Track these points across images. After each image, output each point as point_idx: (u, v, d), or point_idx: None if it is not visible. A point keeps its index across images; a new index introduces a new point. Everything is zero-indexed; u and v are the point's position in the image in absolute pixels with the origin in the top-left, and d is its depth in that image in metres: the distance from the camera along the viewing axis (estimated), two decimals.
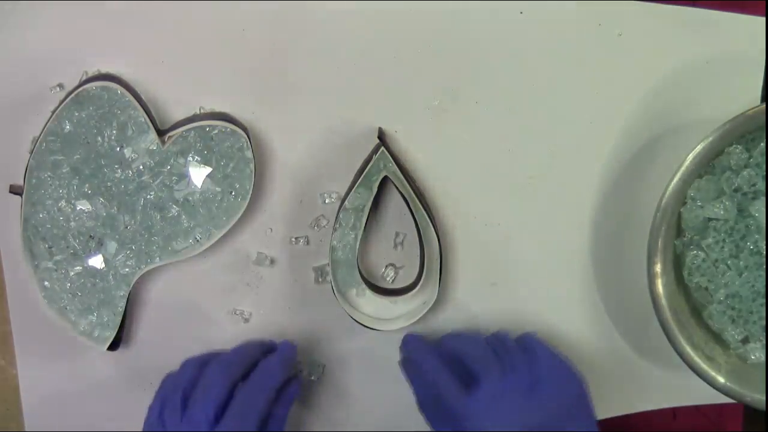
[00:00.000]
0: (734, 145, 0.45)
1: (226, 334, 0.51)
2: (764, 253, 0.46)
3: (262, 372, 0.44)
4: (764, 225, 0.45)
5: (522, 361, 0.43)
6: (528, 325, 0.50)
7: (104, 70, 0.47)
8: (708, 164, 0.46)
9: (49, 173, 0.47)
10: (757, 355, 0.47)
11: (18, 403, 0.53)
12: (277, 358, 0.46)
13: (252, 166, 0.46)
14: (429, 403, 0.45)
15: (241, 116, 0.48)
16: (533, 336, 0.46)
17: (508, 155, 0.49)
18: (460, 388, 0.42)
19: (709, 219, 0.46)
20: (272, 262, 0.50)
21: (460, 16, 0.47)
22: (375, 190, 0.47)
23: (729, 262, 0.47)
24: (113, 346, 0.49)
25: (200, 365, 0.44)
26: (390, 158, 0.46)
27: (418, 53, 0.47)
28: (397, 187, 0.47)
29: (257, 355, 0.46)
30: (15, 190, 0.48)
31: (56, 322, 0.49)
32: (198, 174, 0.47)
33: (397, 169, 0.46)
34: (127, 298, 0.48)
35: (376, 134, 0.47)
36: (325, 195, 0.49)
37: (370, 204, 0.47)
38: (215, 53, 0.47)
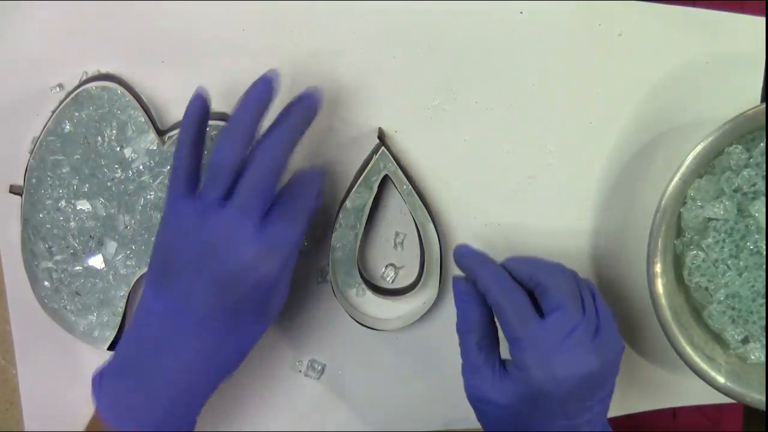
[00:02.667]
0: (734, 145, 0.45)
1: None
2: (764, 253, 0.46)
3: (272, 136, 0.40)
4: (764, 225, 0.45)
5: (590, 304, 0.41)
6: None
7: (104, 70, 0.47)
8: (708, 164, 0.46)
9: (49, 173, 0.47)
10: (757, 355, 0.47)
11: (18, 403, 0.53)
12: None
13: None
14: (477, 324, 0.42)
15: None
16: (592, 284, 0.44)
17: (508, 155, 0.49)
18: (532, 312, 0.40)
19: (709, 219, 0.46)
20: None
21: (460, 16, 0.47)
22: (375, 189, 0.47)
23: (729, 262, 0.47)
24: (113, 346, 0.49)
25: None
26: (390, 158, 0.46)
27: (418, 53, 0.47)
28: (397, 187, 0.47)
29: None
30: (15, 190, 0.48)
31: (56, 322, 0.49)
32: None
33: (398, 169, 0.46)
34: (127, 298, 0.48)
35: (376, 134, 0.47)
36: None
37: (370, 204, 0.47)
38: (215, 53, 0.47)
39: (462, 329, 0.42)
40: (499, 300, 0.40)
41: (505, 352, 0.41)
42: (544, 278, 0.41)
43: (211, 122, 0.46)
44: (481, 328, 0.42)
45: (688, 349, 0.46)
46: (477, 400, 0.41)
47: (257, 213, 0.39)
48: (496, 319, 0.42)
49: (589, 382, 0.39)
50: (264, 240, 0.39)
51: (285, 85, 0.48)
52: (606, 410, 0.42)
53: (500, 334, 0.42)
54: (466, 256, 0.43)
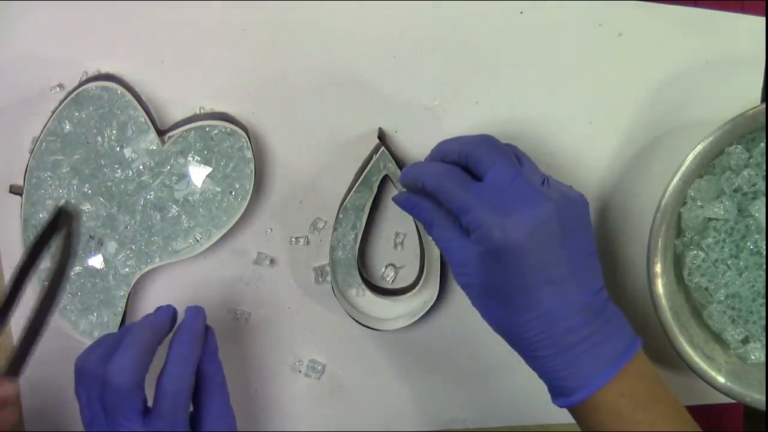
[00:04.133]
0: (734, 145, 0.45)
1: (226, 334, 0.51)
2: (764, 253, 0.46)
3: (174, 363, 0.40)
4: (764, 225, 0.45)
5: (528, 162, 0.41)
6: None
7: (104, 70, 0.47)
8: (708, 164, 0.46)
9: (49, 173, 0.47)
10: (757, 355, 0.47)
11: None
12: (185, 336, 0.41)
13: (252, 166, 0.46)
14: (433, 208, 0.41)
15: (241, 116, 0.48)
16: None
17: None
18: (468, 179, 0.39)
19: (709, 219, 0.46)
20: (272, 262, 0.50)
21: (460, 16, 0.47)
22: (375, 189, 0.47)
23: (729, 262, 0.47)
24: None
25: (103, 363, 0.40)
26: (390, 158, 0.46)
27: (418, 53, 0.47)
28: (397, 187, 0.47)
29: (161, 332, 0.42)
30: (15, 190, 0.48)
31: (56, 322, 0.49)
32: (198, 174, 0.47)
33: (398, 169, 0.46)
34: (127, 298, 0.48)
35: (376, 134, 0.47)
36: (317, 221, 0.49)
37: (370, 204, 0.47)
38: (215, 53, 0.47)
39: (426, 223, 0.41)
40: (436, 181, 0.39)
41: None
42: (473, 148, 0.40)
43: (211, 122, 0.46)
44: (437, 211, 0.41)
45: (688, 349, 0.46)
46: (458, 266, 0.39)
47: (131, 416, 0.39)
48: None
49: (548, 227, 0.37)
50: None
51: (285, 82, 0.48)
52: (594, 278, 0.39)
53: None
54: (405, 172, 0.42)
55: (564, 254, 0.38)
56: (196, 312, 0.43)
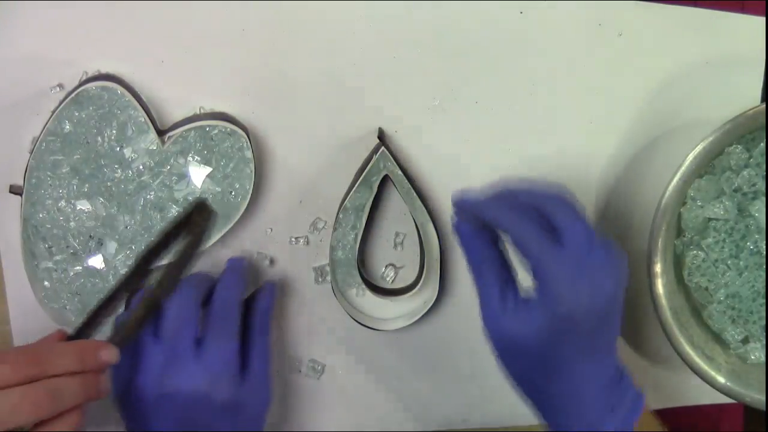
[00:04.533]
0: (734, 145, 0.45)
1: None
2: (764, 253, 0.46)
3: (220, 290, 0.45)
4: (764, 225, 0.45)
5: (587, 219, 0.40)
6: None
7: (104, 70, 0.47)
8: (708, 164, 0.46)
9: (49, 173, 0.47)
10: (757, 355, 0.47)
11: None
12: (228, 273, 0.47)
13: (252, 166, 0.46)
14: (489, 260, 0.40)
15: (241, 116, 0.48)
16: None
17: (508, 155, 0.49)
18: (547, 235, 0.37)
19: (709, 219, 0.46)
20: (272, 262, 0.50)
21: (460, 16, 0.47)
22: (375, 189, 0.47)
23: (729, 262, 0.47)
24: None
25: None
26: (390, 158, 0.46)
27: (418, 53, 0.47)
28: (397, 187, 0.47)
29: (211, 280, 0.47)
30: (15, 190, 0.48)
31: (56, 322, 0.49)
32: (198, 174, 0.47)
33: (398, 169, 0.46)
34: (127, 299, 0.48)
35: (376, 134, 0.47)
36: (317, 221, 0.49)
37: (370, 204, 0.47)
38: (215, 53, 0.47)
39: (475, 268, 0.40)
40: (518, 230, 0.37)
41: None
42: (547, 202, 0.39)
43: (211, 122, 0.46)
44: (493, 263, 0.40)
45: (688, 349, 0.46)
46: (499, 339, 0.39)
47: (185, 342, 0.42)
48: (509, 252, 0.41)
49: (616, 300, 0.37)
50: (200, 364, 0.42)
51: (285, 82, 0.48)
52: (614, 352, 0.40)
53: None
54: (467, 197, 0.41)
55: (610, 335, 0.39)
56: (237, 259, 0.49)
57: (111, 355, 0.40)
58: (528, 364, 0.39)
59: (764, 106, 0.43)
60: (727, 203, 0.45)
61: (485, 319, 0.40)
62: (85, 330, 0.42)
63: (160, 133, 0.47)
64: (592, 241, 0.37)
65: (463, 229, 0.41)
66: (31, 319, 0.51)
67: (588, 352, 0.38)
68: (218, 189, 0.47)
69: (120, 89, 0.46)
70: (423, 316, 0.49)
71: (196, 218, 0.43)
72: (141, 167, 0.47)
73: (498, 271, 0.40)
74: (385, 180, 0.47)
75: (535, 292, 0.37)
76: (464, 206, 0.41)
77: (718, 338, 0.48)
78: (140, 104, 0.46)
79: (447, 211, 0.49)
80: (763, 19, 0.46)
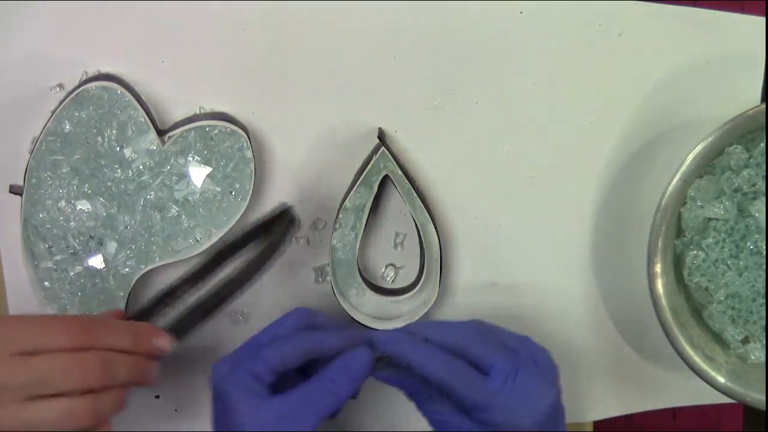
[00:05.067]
0: (734, 145, 0.45)
1: (226, 334, 0.51)
2: (764, 253, 0.46)
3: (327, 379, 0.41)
4: (764, 225, 0.45)
5: (512, 339, 0.42)
6: (528, 324, 0.50)
7: (104, 70, 0.47)
8: (708, 164, 0.46)
9: (49, 173, 0.47)
10: (757, 355, 0.47)
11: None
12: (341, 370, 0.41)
13: (252, 166, 0.46)
14: (422, 388, 0.42)
15: (241, 116, 0.48)
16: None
17: (508, 155, 0.49)
18: (474, 374, 0.40)
19: (709, 219, 0.46)
20: None
21: (460, 16, 0.47)
22: (375, 189, 0.47)
23: (729, 262, 0.47)
24: None
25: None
26: (390, 158, 0.46)
27: (418, 53, 0.47)
28: (397, 187, 0.47)
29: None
30: (15, 190, 0.48)
31: None
32: (198, 174, 0.47)
33: (398, 169, 0.46)
34: (127, 299, 0.48)
35: (376, 134, 0.47)
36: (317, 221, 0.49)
37: (370, 204, 0.47)
38: (215, 53, 0.47)
39: (415, 395, 0.42)
40: (442, 376, 0.40)
41: None
42: (465, 343, 0.41)
43: (211, 122, 0.46)
44: (427, 389, 0.42)
45: (688, 349, 0.46)
46: None
47: (263, 380, 0.39)
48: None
49: (555, 411, 0.40)
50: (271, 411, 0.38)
51: (285, 82, 0.48)
52: None
53: None
54: (391, 342, 0.42)
55: (562, 427, 0.41)
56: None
57: (165, 342, 0.39)
58: None
59: (764, 106, 0.43)
60: (727, 203, 0.45)
61: None
62: (144, 315, 0.42)
63: (160, 133, 0.47)
64: (515, 372, 0.40)
65: (383, 376, 0.42)
66: None
67: None
68: (218, 189, 0.47)
69: (120, 89, 0.46)
70: (423, 316, 0.49)
71: (279, 224, 0.43)
72: (141, 167, 0.47)
73: (434, 393, 0.41)
74: (385, 180, 0.47)
75: (476, 424, 0.40)
76: (390, 350, 0.41)
77: (718, 338, 0.48)
78: (140, 104, 0.46)
79: (447, 211, 0.49)
80: (763, 19, 0.46)
